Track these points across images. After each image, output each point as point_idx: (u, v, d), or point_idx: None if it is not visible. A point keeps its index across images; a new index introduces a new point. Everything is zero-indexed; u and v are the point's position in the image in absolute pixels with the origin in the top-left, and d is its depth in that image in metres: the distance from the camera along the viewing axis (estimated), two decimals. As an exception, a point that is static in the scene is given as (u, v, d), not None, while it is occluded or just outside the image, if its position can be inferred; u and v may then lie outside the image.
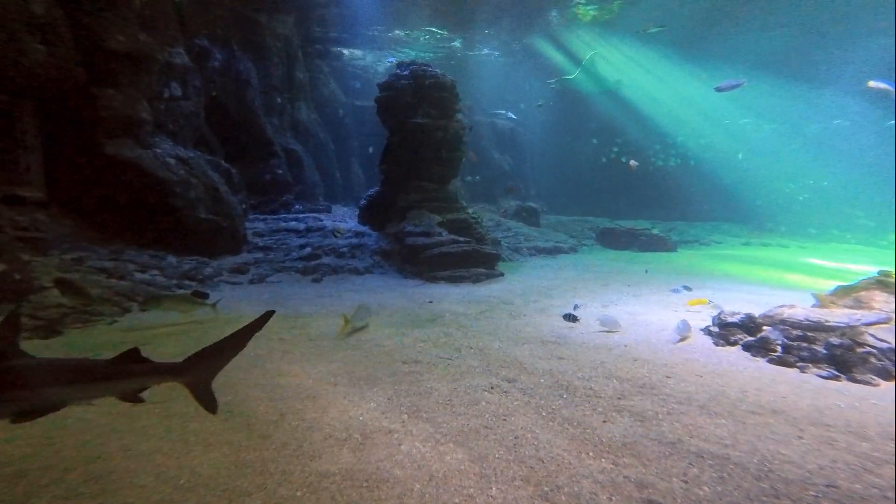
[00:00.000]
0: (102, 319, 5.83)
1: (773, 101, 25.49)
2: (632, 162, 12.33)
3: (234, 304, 7.01)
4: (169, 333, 5.48)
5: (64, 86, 7.67)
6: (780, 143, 27.08)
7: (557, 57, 23.66)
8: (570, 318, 6.33)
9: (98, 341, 5.18)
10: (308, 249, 9.83)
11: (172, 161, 8.84)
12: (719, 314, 5.83)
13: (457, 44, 22.73)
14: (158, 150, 8.79)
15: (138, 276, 7.15)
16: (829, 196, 25.20)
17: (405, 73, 12.34)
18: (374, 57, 23.78)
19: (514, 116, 23.56)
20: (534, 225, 18.57)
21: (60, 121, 7.80)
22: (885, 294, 5.32)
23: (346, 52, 22.89)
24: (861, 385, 4.24)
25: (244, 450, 3.00)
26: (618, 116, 25.38)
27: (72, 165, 7.88)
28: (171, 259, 8.07)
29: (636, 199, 24.75)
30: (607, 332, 5.81)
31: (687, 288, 8.68)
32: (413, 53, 23.05)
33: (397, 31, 20.93)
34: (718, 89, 11.95)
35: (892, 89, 12.59)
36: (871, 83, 12.78)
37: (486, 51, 23.89)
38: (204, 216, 8.88)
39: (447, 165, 12.04)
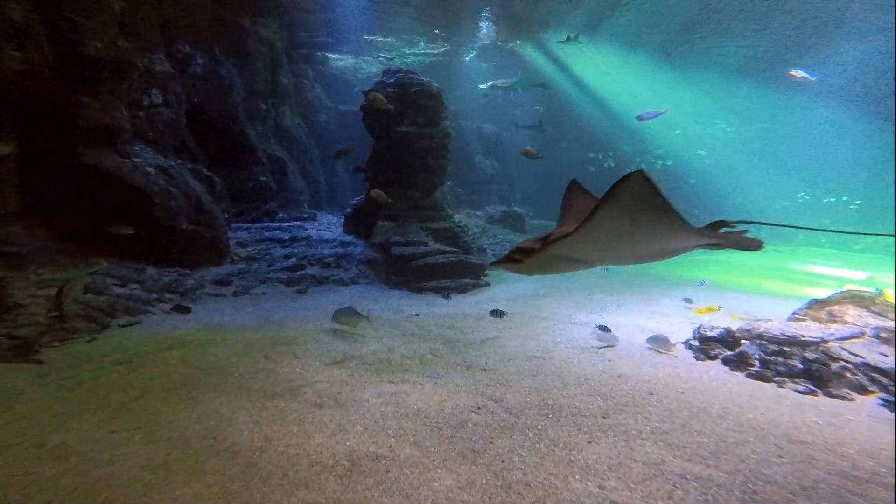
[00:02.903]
0: (81, 337, 5.69)
1: (752, 106, 26.17)
2: (527, 148, 12.37)
3: (217, 318, 6.91)
4: (149, 352, 5.37)
5: (40, 93, 7.47)
6: (756, 147, 27.82)
7: (542, 62, 23.91)
8: (497, 314, 6.57)
9: (76, 360, 5.05)
10: (293, 260, 9.73)
11: (152, 170, 8.67)
12: (699, 328, 5.94)
13: (445, 51, 22.81)
14: (138, 160, 8.61)
15: (117, 290, 7.00)
16: (805, 204, 26.01)
17: (391, 80, 12.32)
18: (363, 63, 23.71)
19: (548, 129, 23.64)
20: (519, 230, 18.69)
21: (37, 129, 7.59)
22: (858, 308, 5.49)
23: (331, 56, 22.79)
24: (837, 400, 4.37)
25: (229, 479, 2.96)
26: (602, 123, 25.73)
27: (48, 175, 7.68)
28: (151, 271, 7.92)
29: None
30: (605, 347, 5.86)
31: (688, 300, 8.70)
32: (400, 60, 23.06)
33: (384, 38, 20.91)
34: (640, 118, 12.36)
35: (810, 77, 13.12)
36: (792, 71, 13.27)
37: (468, 57, 24.00)
38: (185, 227, 8.73)
39: (433, 173, 12.06)
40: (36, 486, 2.86)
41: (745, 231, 3.14)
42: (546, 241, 2.91)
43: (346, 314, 6.15)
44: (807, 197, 25.82)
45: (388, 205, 10.66)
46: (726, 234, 3.08)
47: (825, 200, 25.58)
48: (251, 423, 3.67)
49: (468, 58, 23.74)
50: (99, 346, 5.60)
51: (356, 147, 12.28)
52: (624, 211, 2.45)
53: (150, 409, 3.93)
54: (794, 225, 4.00)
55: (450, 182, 19.82)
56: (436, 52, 22.90)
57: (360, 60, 23.67)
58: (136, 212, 8.20)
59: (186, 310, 7.15)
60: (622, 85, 25.41)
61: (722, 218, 3.13)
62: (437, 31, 19.99)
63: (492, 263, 3.34)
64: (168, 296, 7.52)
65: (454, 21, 19.06)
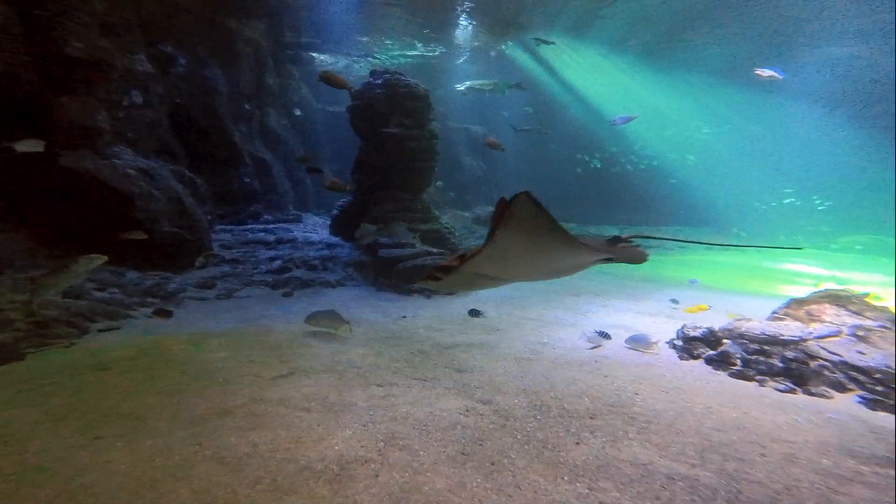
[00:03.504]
0: (59, 342, 5.55)
1: (731, 108, 26.72)
2: (490, 139, 12.44)
3: (200, 322, 6.81)
4: (130, 357, 5.27)
5: (18, 94, 7.30)
6: (736, 150, 28.37)
7: (531, 64, 24.10)
8: (474, 313, 6.87)
9: (55, 366, 4.94)
10: (278, 262, 9.63)
11: (133, 172, 8.50)
12: (683, 327, 6.03)
13: (434, 52, 22.80)
14: (118, 161, 8.44)
15: (97, 294, 6.84)
16: (789, 206, 26.62)
17: (378, 81, 12.30)
18: (354, 64, 23.61)
19: (548, 132, 23.79)
20: (505, 232, 18.75)
21: (14, 130, 7.39)
22: (835, 307, 5.64)
23: (319, 57, 22.64)
24: (816, 398, 4.47)
25: (216, 485, 2.92)
26: (589, 124, 25.96)
27: (26, 177, 7.48)
28: (133, 275, 7.76)
29: (604, 204, 25.40)
30: (593, 347, 5.91)
31: (674, 301, 8.76)
32: (390, 61, 23.00)
33: (372, 38, 20.82)
34: (613, 123, 12.96)
35: (778, 76, 13.24)
36: (757, 70, 13.37)
37: (461, 60, 24.05)
38: (167, 229, 8.58)
39: (420, 175, 12.06)
40: (17, 494, 2.79)
41: (637, 245, 3.53)
42: (463, 259, 3.11)
43: (324, 317, 6.10)
44: (792, 200, 26.43)
45: (347, 191, 10.24)
46: (620, 249, 3.39)
47: (796, 203, 26.23)
48: (237, 429, 3.62)
49: (461, 61, 23.78)
50: (78, 351, 5.48)
51: (315, 155, 12.26)
52: (517, 230, 2.65)
53: (132, 415, 3.86)
54: (684, 239, 4.46)
55: (439, 183, 19.81)
56: (429, 54, 22.91)
57: (350, 62, 23.56)
58: (117, 214, 8.04)
59: (169, 314, 7.02)
60: (609, 87, 25.71)
61: (621, 233, 3.53)
62: (426, 31, 19.97)
63: (417, 281, 3.57)
64: (149, 300, 7.39)
65: (440, 22, 19.09)
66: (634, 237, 3.52)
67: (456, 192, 21.87)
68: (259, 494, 2.83)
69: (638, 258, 3.38)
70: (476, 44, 22.03)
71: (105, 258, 5.49)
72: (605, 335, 6.06)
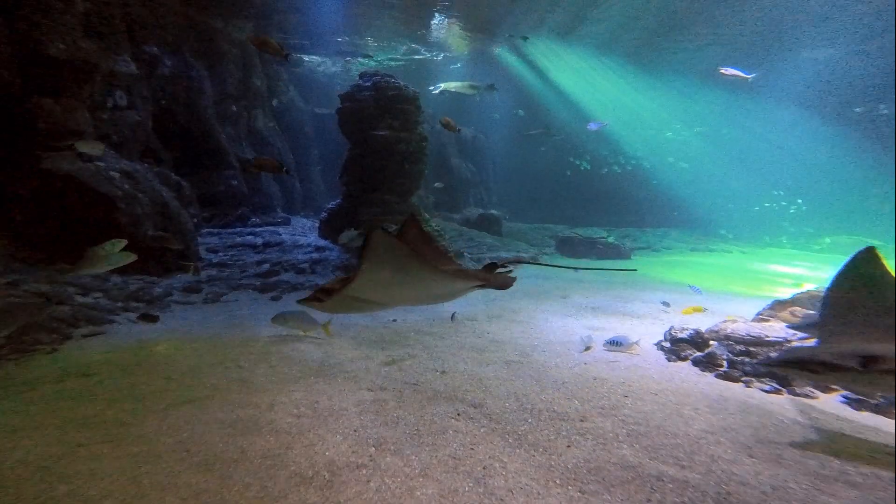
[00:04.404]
0: (41, 349, 5.43)
1: (713, 111, 27.16)
2: (446, 119, 12.34)
3: (187, 327, 6.71)
4: (114, 363, 5.17)
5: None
6: (722, 152, 28.81)
7: (519, 66, 24.26)
8: (452, 317, 7.23)
9: (37, 373, 4.83)
10: (266, 266, 9.55)
11: (116, 175, 8.37)
12: (670, 329, 6.09)
13: (425, 55, 22.85)
14: (101, 164, 8.30)
15: (79, 299, 6.71)
16: (775, 208, 27.16)
17: (367, 84, 12.28)
18: (338, 65, 23.57)
19: (555, 135, 24.02)
20: (496, 234, 18.85)
21: (-7, 132, 7.25)
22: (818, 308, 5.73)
23: (306, 58, 22.57)
24: (801, 398, 4.55)
25: (203, 493, 2.88)
26: (580, 126, 26.22)
27: (5, 181, 7.32)
28: (116, 279, 7.63)
29: (592, 206, 25.60)
30: (584, 350, 5.92)
31: (665, 304, 8.79)
32: (379, 63, 22.98)
33: (362, 40, 20.79)
34: (588, 128, 13.69)
35: (745, 75, 13.40)
36: (723, 70, 13.51)
37: (458, 65, 24.15)
38: (151, 233, 8.46)
39: (409, 178, 12.06)
40: (-2, 504, 2.72)
41: (510, 270, 3.92)
42: (344, 283, 3.22)
43: (292, 317, 6.01)
44: (783, 203, 26.96)
45: (286, 172, 9.28)
46: (492, 276, 3.66)
47: (775, 206, 26.81)
48: (226, 435, 3.57)
49: (457, 65, 23.91)
50: (61, 357, 5.37)
51: (278, 158, 12.45)
52: (377, 263, 2.77)
53: (117, 421, 3.79)
54: (554, 264, 4.80)
55: (438, 184, 19.78)
56: (420, 57, 22.95)
57: (339, 63, 23.51)
58: (100, 218, 7.90)
59: (155, 318, 6.91)
60: (597, 90, 25.96)
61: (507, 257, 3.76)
62: (420, 32, 19.99)
63: (298, 301, 3.71)
64: (134, 304, 7.27)
65: (429, 24, 19.14)
66: (508, 262, 3.91)
67: (446, 194, 21.92)
68: (248, 501, 2.79)
69: (506, 284, 3.74)
70: (468, 47, 22.12)
71: (125, 241, 5.53)
72: (616, 342, 5.84)
